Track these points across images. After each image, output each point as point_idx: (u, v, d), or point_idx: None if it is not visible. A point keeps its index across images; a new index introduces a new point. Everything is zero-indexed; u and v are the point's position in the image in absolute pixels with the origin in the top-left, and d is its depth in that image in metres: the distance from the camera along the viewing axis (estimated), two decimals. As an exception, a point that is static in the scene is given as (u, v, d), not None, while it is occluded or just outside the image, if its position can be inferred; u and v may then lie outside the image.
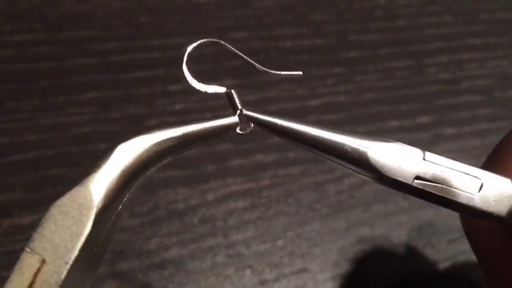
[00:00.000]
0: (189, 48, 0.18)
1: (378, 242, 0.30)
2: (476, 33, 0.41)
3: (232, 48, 0.19)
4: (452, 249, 0.30)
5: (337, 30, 0.39)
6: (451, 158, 0.17)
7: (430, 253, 0.30)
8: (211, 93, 0.19)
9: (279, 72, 0.19)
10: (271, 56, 0.36)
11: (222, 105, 0.36)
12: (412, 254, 0.30)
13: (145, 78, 0.34)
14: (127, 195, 0.16)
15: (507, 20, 0.43)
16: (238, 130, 0.18)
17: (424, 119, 0.36)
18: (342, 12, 0.40)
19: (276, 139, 0.18)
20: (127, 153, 0.15)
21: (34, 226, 0.13)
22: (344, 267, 0.29)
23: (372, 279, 0.29)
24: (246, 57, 0.19)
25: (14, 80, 0.33)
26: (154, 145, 0.16)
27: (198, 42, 0.19)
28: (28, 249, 0.13)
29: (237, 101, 0.18)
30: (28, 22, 0.35)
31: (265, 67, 0.19)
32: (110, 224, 0.16)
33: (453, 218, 0.32)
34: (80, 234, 0.14)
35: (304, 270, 0.29)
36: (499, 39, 0.41)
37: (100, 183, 0.15)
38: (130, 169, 0.15)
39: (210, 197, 0.30)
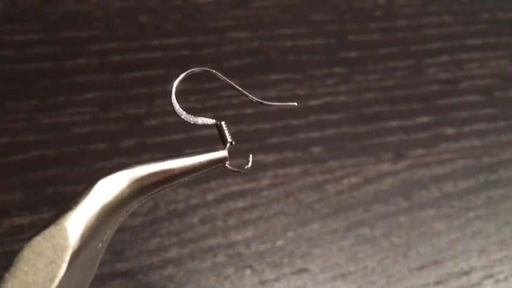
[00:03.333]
0: (177, 81, 0.17)
1: (377, 242, 0.30)
2: (476, 33, 0.41)
3: (224, 77, 0.18)
4: (452, 249, 0.30)
5: (337, 30, 0.39)
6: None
7: (430, 253, 0.30)
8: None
9: (272, 104, 0.18)
10: (271, 56, 0.36)
11: (222, 105, 0.37)
12: (412, 254, 0.30)
13: (145, 78, 0.34)
14: (107, 233, 0.15)
15: (507, 20, 0.43)
16: (227, 165, 0.17)
17: (424, 119, 0.36)
18: (342, 12, 0.40)
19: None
20: (107, 189, 0.14)
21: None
22: (344, 267, 0.29)
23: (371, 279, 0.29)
24: (238, 87, 0.18)
25: (14, 80, 0.33)
26: (137, 181, 0.15)
27: (187, 72, 0.18)
28: None
29: (227, 134, 0.17)
30: (28, 22, 0.35)
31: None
32: (88, 262, 0.15)
33: (453, 218, 0.32)
34: (54, 277, 0.13)
35: (304, 270, 0.29)
36: (499, 39, 0.41)
37: (77, 221, 0.13)
38: (111, 206, 0.14)
39: (210, 197, 0.30)
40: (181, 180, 0.16)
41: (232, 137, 0.17)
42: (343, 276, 0.29)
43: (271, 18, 0.39)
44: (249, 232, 0.29)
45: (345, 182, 0.32)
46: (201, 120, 0.18)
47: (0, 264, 0.26)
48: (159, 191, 0.16)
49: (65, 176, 0.29)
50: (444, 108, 0.36)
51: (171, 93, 0.17)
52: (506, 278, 0.30)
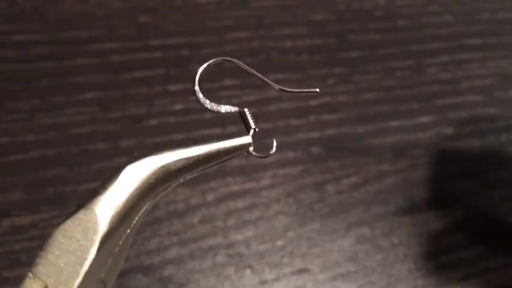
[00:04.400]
0: (201, 69, 0.18)
1: (378, 242, 0.30)
2: (476, 33, 0.41)
3: (246, 66, 0.18)
4: (453, 249, 0.30)
5: (337, 30, 0.39)
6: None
7: (430, 252, 0.30)
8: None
9: (295, 90, 0.18)
10: (271, 56, 0.36)
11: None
12: (412, 254, 0.30)
13: (145, 78, 0.34)
14: (135, 219, 0.15)
15: (507, 20, 0.43)
16: (251, 150, 0.17)
17: (424, 119, 0.36)
18: (342, 12, 0.40)
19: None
20: (135, 175, 0.15)
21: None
22: (344, 267, 0.29)
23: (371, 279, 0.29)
24: (259, 75, 0.18)
25: (14, 80, 0.33)
26: (163, 167, 0.15)
27: (210, 61, 0.18)
28: (31, 275, 0.13)
29: (251, 120, 0.18)
30: (28, 22, 0.35)
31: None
32: (117, 248, 0.15)
33: (453, 218, 0.32)
34: (84, 260, 0.13)
35: (304, 270, 0.29)
36: (499, 39, 0.41)
37: (106, 206, 0.14)
38: (138, 192, 0.15)
39: (210, 197, 0.30)
40: (206, 166, 0.17)
41: (256, 124, 0.18)
42: (343, 276, 0.29)
43: (271, 18, 0.39)
44: (249, 232, 0.29)
45: (345, 182, 0.32)
46: (224, 108, 0.18)
47: (0, 264, 0.26)
48: (184, 178, 0.16)
49: (65, 176, 0.29)
50: (444, 108, 0.36)
51: (194, 82, 0.17)
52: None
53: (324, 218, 0.30)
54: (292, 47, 0.38)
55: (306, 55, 0.37)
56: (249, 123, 0.18)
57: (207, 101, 0.18)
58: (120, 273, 0.27)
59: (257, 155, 0.17)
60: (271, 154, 0.18)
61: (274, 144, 0.18)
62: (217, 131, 0.32)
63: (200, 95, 0.17)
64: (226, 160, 0.17)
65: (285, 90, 0.18)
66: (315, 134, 0.33)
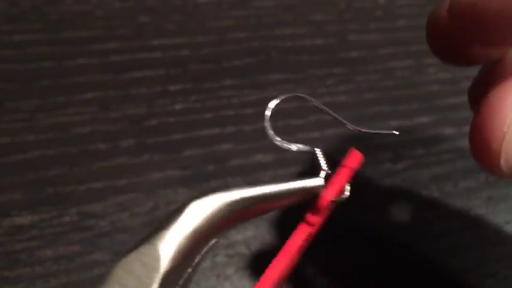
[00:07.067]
0: (272, 104, 0.17)
1: (378, 243, 0.30)
2: (476, 33, 0.41)
3: (319, 104, 0.18)
4: (453, 249, 0.30)
5: (337, 30, 0.39)
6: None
7: (430, 253, 0.30)
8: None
9: (370, 131, 0.17)
10: (271, 56, 0.36)
11: (222, 105, 0.37)
12: (412, 254, 0.30)
13: (145, 78, 0.34)
14: (197, 258, 0.15)
15: (507, 20, 0.43)
16: (322, 193, 0.16)
17: (424, 119, 0.36)
18: (342, 12, 0.40)
19: (277, 142, 0.18)
20: (200, 211, 0.14)
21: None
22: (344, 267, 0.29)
23: (371, 279, 0.29)
24: (332, 112, 0.17)
25: (14, 80, 0.33)
26: (229, 204, 0.15)
27: (282, 97, 0.17)
28: None
29: (323, 162, 0.17)
30: (28, 22, 0.35)
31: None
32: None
33: (454, 218, 0.32)
34: None
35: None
36: (499, 39, 0.41)
37: (169, 242, 0.13)
38: (202, 230, 0.14)
39: (210, 197, 0.30)
40: (273, 208, 0.16)
41: (328, 166, 0.17)
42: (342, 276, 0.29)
43: (271, 18, 0.39)
44: (249, 232, 0.29)
45: (345, 182, 0.32)
46: (296, 146, 0.17)
47: (0, 264, 0.26)
48: (249, 218, 0.16)
49: (65, 176, 0.29)
50: (444, 108, 0.36)
51: (265, 118, 0.17)
52: (506, 278, 0.30)
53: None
54: (292, 47, 0.38)
55: (306, 55, 0.37)
56: (321, 165, 0.17)
57: (277, 138, 0.17)
58: (120, 273, 0.27)
59: (329, 199, 0.16)
60: (344, 199, 0.16)
61: (348, 188, 0.17)
62: (216, 131, 0.32)
63: (270, 132, 0.17)
64: (294, 203, 0.16)
65: (360, 131, 0.18)
66: (315, 134, 0.33)
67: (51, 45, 0.34)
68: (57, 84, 0.33)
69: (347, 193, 0.17)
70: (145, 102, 0.33)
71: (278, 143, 0.17)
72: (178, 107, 0.33)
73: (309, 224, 0.16)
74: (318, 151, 0.17)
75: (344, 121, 0.17)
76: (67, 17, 0.36)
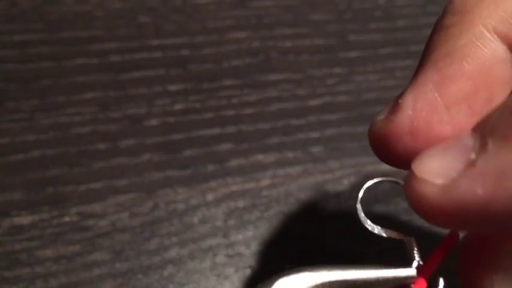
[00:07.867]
0: (365, 186, 0.16)
1: (377, 243, 0.30)
2: (476, 33, 0.41)
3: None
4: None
5: (337, 30, 0.39)
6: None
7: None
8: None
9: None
10: (271, 56, 0.36)
11: (222, 105, 0.37)
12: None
13: (145, 78, 0.34)
14: None
15: (507, 20, 0.43)
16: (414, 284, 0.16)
17: (424, 119, 0.36)
18: (342, 12, 0.40)
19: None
20: None
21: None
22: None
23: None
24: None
25: (14, 80, 0.33)
26: (317, 286, 0.15)
27: (375, 180, 0.17)
28: None
29: (416, 252, 0.16)
30: (28, 22, 0.35)
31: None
32: None
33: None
34: None
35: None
36: (499, 39, 0.41)
37: None
38: None
39: (210, 197, 0.30)
40: None
41: (420, 257, 0.16)
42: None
43: (271, 18, 0.39)
44: (249, 232, 0.29)
45: (345, 182, 0.32)
46: (389, 232, 0.17)
47: (0, 264, 0.26)
48: None
49: (65, 176, 0.29)
50: (444, 108, 0.36)
51: (356, 201, 0.16)
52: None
53: (324, 218, 0.30)
54: (292, 47, 0.38)
55: (306, 55, 0.37)
56: (414, 255, 0.16)
57: (369, 221, 0.16)
58: (120, 274, 0.27)
59: None
60: None
61: (441, 282, 0.16)
62: (216, 131, 0.32)
63: (362, 214, 0.16)
64: None
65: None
66: (315, 134, 0.33)
67: (51, 45, 0.34)
68: (57, 84, 0.33)
69: (441, 287, 0.16)
70: (145, 102, 0.33)
71: (369, 227, 0.16)
72: (178, 107, 0.33)
73: None
74: (413, 240, 0.16)
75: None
76: (67, 17, 0.36)
